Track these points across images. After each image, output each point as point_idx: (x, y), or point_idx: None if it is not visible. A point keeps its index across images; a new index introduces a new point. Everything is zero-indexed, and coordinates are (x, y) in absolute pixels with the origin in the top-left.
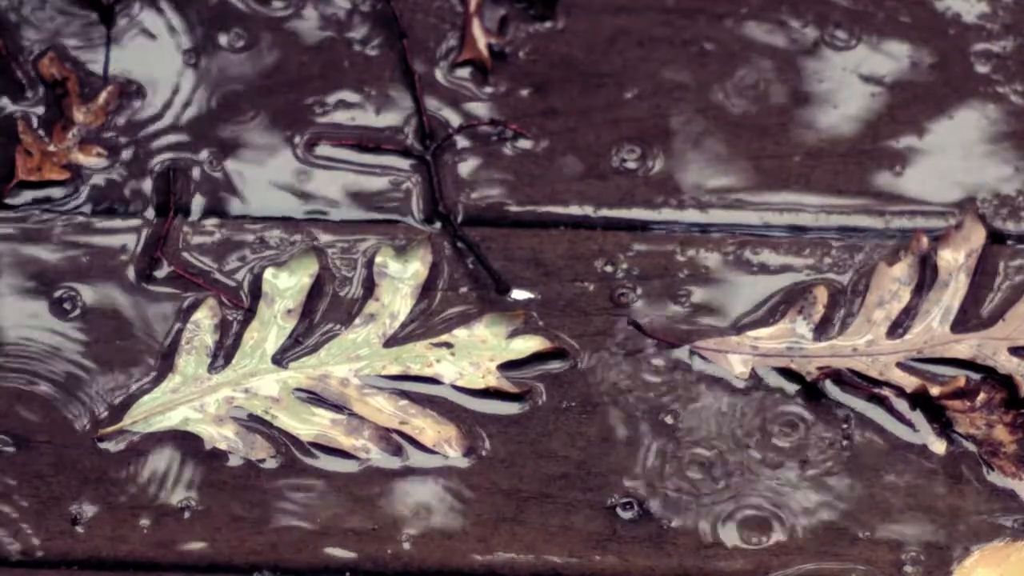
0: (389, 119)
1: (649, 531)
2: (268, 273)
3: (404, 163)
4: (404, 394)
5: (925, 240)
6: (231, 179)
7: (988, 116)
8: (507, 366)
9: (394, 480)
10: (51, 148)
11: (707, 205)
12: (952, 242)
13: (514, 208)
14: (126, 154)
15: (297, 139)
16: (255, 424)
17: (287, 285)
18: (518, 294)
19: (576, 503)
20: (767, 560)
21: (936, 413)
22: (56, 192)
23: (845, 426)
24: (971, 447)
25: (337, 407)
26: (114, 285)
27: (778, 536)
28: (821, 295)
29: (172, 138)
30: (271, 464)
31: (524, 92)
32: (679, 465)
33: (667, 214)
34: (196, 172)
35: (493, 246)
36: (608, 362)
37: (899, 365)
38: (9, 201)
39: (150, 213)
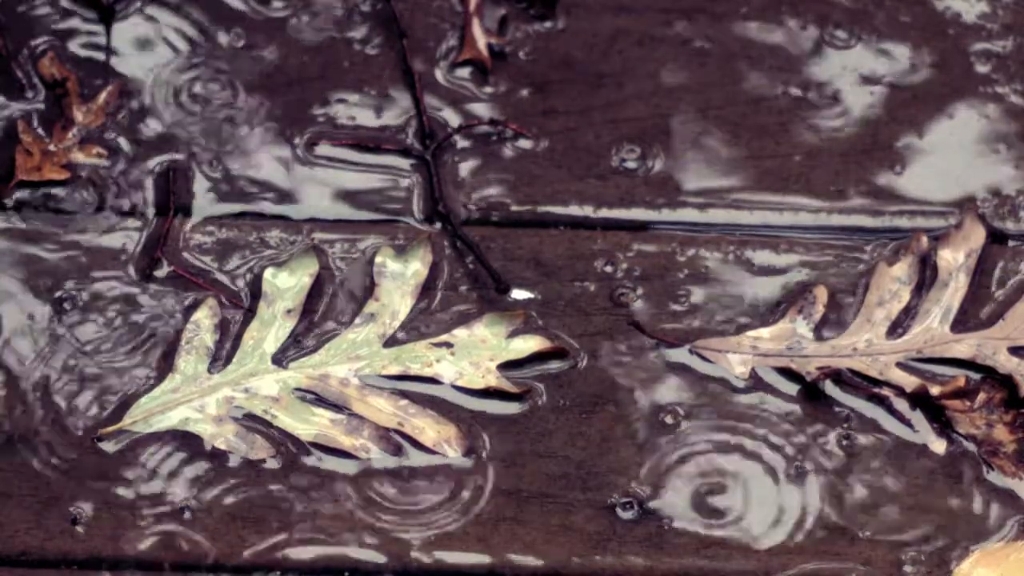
0: (389, 119)
1: (649, 531)
2: (268, 273)
3: (404, 163)
4: (404, 394)
5: (925, 240)
6: (231, 179)
7: (988, 116)
8: (507, 366)
9: (394, 480)
10: (51, 148)
11: (707, 205)
12: (952, 242)
13: (514, 208)
14: (126, 154)
15: (297, 139)
16: (255, 424)
17: (287, 285)
18: (518, 294)
19: (576, 503)
20: (767, 560)
21: (936, 413)
22: (56, 192)
23: (845, 426)
24: (971, 447)
25: (337, 407)
26: (114, 285)
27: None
28: (821, 295)
29: (172, 138)
30: (271, 464)
31: (524, 92)
32: (679, 465)
33: (667, 214)
34: (196, 172)
35: (493, 246)
36: (608, 362)
37: (899, 365)
38: (9, 201)
39: (150, 213)
